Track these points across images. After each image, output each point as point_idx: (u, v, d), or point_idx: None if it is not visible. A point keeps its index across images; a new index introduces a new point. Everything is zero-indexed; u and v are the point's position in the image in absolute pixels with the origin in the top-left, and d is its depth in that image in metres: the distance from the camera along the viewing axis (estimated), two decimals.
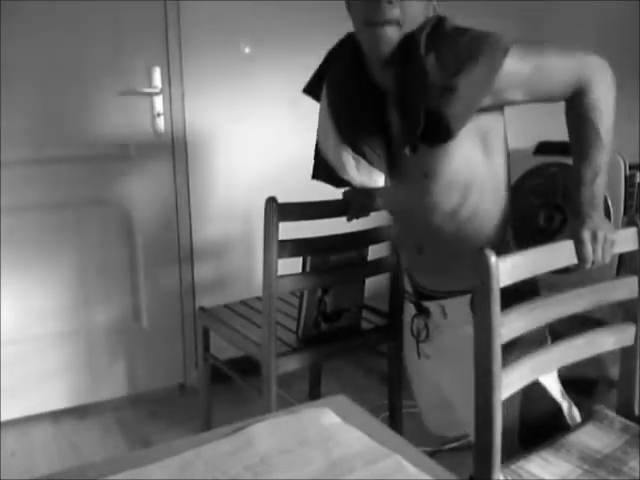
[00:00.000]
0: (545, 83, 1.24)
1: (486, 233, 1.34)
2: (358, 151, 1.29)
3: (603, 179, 1.24)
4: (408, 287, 1.52)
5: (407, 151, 1.24)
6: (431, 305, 1.44)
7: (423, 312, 1.46)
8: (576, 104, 1.25)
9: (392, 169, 1.31)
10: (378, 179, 1.30)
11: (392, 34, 1.21)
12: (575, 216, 1.24)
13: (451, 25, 1.23)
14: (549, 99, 1.27)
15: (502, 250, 1.21)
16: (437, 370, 1.49)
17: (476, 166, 1.29)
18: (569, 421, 1.35)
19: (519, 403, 1.28)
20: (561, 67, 1.23)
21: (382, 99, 1.31)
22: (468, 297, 1.34)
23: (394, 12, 1.20)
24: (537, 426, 1.31)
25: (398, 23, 1.21)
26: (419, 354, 1.51)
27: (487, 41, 1.17)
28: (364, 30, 1.25)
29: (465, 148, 1.26)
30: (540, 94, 1.25)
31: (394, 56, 1.23)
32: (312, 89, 1.46)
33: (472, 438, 1.16)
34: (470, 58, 1.16)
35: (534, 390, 1.26)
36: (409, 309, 1.53)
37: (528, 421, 1.29)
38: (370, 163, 1.29)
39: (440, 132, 1.19)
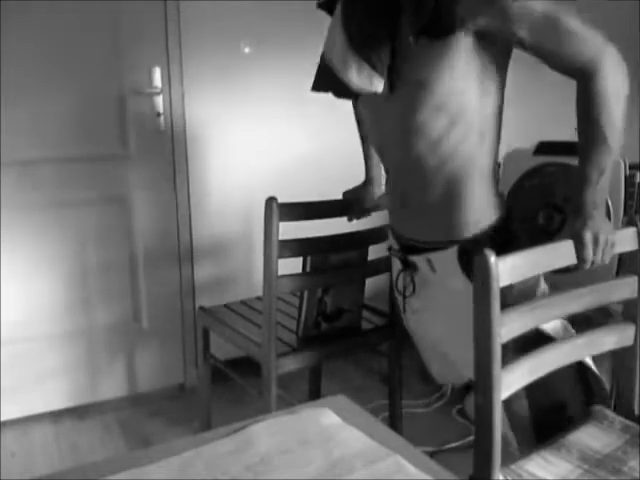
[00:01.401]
0: (555, 37, 1.18)
1: (467, 180, 1.30)
2: (364, 55, 1.27)
3: (607, 178, 1.23)
4: (393, 242, 1.49)
5: (411, 40, 1.21)
6: (418, 259, 1.40)
7: (410, 267, 1.43)
8: (586, 92, 1.20)
9: (392, 75, 1.29)
10: (378, 84, 1.28)
11: None
12: (577, 216, 1.23)
13: None
14: (554, 59, 1.21)
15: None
16: (425, 323, 1.48)
17: (467, 98, 1.26)
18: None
19: (525, 396, 1.27)
20: (578, 33, 1.18)
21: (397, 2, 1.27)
22: (455, 249, 1.33)
23: None
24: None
25: None
26: (404, 309, 1.50)
27: None
28: None
29: (461, 75, 1.23)
30: (547, 47, 1.20)
31: None
32: (327, 3, 1.44)
33: (472, 376, 1.12)
34: None
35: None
36: (395, 265, 1.50)
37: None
38: (373, 67, 1.27)
39: (443, 23, 1.17)
